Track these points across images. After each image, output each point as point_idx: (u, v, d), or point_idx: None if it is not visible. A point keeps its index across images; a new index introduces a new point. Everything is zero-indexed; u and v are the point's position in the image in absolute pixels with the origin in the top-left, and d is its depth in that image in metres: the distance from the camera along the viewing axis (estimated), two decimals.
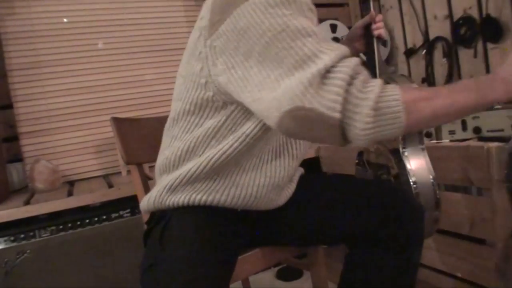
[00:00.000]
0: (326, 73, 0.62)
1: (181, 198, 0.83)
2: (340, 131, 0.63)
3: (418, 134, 0.97)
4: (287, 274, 1.84)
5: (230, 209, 0.85)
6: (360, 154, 1.11)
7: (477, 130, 1.16)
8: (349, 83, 0.62)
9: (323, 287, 1.13)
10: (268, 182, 0.85)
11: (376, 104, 0.61)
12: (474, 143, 1.13)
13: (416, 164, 0.95)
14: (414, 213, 0.86)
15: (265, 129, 0.78)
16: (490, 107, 1.56)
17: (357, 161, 1.13)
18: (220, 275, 0.76)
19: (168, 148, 0.87)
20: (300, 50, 0.64)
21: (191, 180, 0.82)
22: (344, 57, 0.65)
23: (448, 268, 1.23)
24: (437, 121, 0.79)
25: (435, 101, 0.65)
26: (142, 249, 0.89)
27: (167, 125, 0.89)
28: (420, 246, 0.88)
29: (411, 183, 0.93)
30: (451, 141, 1.22)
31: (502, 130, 1.12)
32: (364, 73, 0.65)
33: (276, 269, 1.89)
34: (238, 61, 0.69)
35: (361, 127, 0.62)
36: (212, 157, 0.79)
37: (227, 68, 0.71)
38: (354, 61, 0.64)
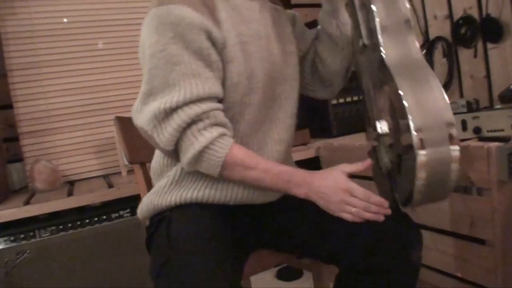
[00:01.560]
0: (171, 111, 0.73)
1: (173, 197, 0.84)
2: (175, 155, 0.78)
3: None
4: (287, 274, 1.84)
5: (226, 206, 0.84)
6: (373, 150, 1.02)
7: (477, 130, 1.16)
8: (188, 125, 0.73)
9: (323, 287, 1.13)
10: None
11: (199, 153, 0.74)
12: (474, 143, 1.13)
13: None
14: (412, 242, 0.82)
15: (235, 123, 0.82)
16: (490, 107, 1.56)
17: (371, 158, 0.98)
18: (234, 263, 0.76)
19: (155, 156, 0.92)
20: (168, 75, 0.74)
21: (180, 180, 0.85)
22: (200, 99, 0.73)
23: (448, 268, 1.23)
24: (243, 183, 0.82)
25: (250, 172, 0.77)
26: (142, 249, 0.89)
27: None
28: (416, 275, 0.85)
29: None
30: None
31: (502, 130, 1.12)
32: (212, 120, 0.74)
33: (276, 269, 1.89)
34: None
35: (185, 162, 0.77)
36: None
37: None
38: (206, 106, 0.73)
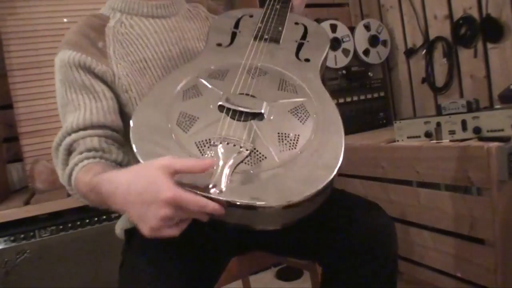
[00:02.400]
0: (57, 148, 0.77)
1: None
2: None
3: None
4: (287, 274, 1.85)
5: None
6: None
7: (477, 130, 1.16)
8: (67, 156, 0.75)
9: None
10: None
11: (68, 184, 0.74)
12: (474, 143, 1.13)
13: None
14: (386, 230, 0.79)
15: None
16: (490, 107, 1.56)
17: None
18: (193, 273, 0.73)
19: None
20: (62, 116, 0.80)
21: None
22: (75, 130, 0.75)
23: (448, 268, 1.23)
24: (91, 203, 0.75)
25: (87, 194, 0.70)
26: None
27: None
28: (395, 265, 0.80)
29: None
30: (451, 141, 1.22)
31: (502, 130, 1.12)
32: (80, 147, 0.75)
33: (276, 269, 1.89)
34: None
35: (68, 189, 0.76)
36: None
37: None
38: (75, 135, 0.75)
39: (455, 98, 1.66)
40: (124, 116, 0.83)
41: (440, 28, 1.80)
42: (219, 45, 0.84)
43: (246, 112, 0.65)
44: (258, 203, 0.53)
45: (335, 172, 0.59)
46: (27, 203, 1.42)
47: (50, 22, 1.82)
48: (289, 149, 0.61)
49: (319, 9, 2.20)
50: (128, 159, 0.78)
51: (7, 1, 1.75)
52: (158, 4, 0.90)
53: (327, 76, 1.86)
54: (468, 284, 1.17)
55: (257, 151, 0.59)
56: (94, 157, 0.73)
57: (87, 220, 1.45)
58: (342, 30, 1.90)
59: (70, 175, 0.73)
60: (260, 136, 0.62)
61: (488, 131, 1.15)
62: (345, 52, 1.89)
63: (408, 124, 1.32)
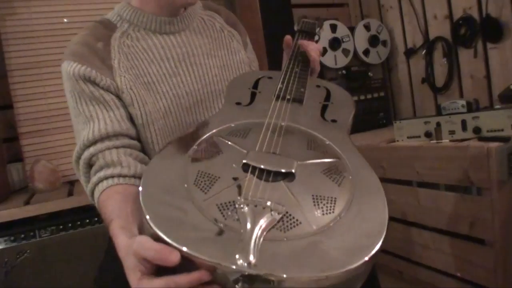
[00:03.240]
0: (77, 161, 0.78)
1: None
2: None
3: None
4: None
5: None
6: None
7: (477, 130, 1.16)
8: (87, 169, 0.77)
9: None
10: None
11: (91, 197, 0.75)
12: (474, 143, 1.13)
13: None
14: None
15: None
16: (490, 107, 1.56)
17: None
18: None
19: None
20: (76, 127, 0.81)
21: None
22: (92, 142, 0.76)
23: (448, 268, 1.23)
24: None
25: (104, 218, 0.68)
26: None
27: None
28: None
29: None
30: (451, 141, 1.22)
31: (502, 130, 1.12)
32: (100, 162, 0.75)
33: None
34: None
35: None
36: None
37: None
38: (93, 149, 0.75)
39: (455, 98, 1.66)
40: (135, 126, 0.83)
41: (440, 28, 1.80)
42: (239, 103, 0.79)
43: (275, 172, 0.56)
44: (297, 276, 0.44)
45: (382, 239, 0.50)
46: (27, 203, 1.41)
47: (50, 22, 1.82)
48: (327, 214, 0.52)
49: (319, 9, 2.20)
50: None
51: (6, 1, 1.75)
52: (167, 20, 0.86)
53: (327, 76, 1.86)
54: (468, 284, 1.17)
55: (290, 215, 0.51)
56: (112, 177, 0.73)
57: (87, 220, 1.44)
58: (342, 30, 1.90)
59: (92, 192, 0.74)
60: (292, 198, 0.53)
61: (488, 131, 1.15)
62: (345, 52, 1.89)
63: (408, 124, 1.32)
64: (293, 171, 0.57)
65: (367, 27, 1.98)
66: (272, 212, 0.50)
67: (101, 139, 0.76)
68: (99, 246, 1.44)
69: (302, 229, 0.49)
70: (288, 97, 0.79)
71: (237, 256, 0.43)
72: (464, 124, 1.19)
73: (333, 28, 1.88)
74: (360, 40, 1.94)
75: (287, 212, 0.51)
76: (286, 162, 0.58)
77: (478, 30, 1.63)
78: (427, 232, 1.28)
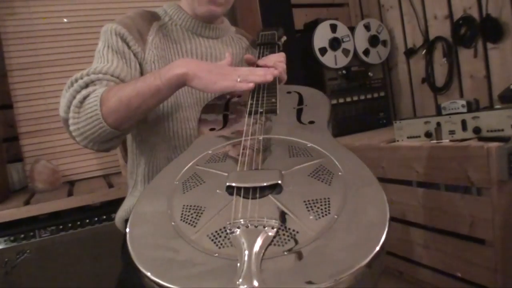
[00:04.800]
0: (75, 81, 0.80)
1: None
2: (67, 128, 0.80)
3: None
4: None
5: None
6: None
7: (477, 130, 1.16)
8: (77, 90, 0.78)
9: None
10: None
11: (80, 102, 0.76)
12: (474, 143, 1.13)
13: None
14: None
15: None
16: (490, 107, 1.56)
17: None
18: None
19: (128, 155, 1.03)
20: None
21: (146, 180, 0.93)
22: (97, 72, 0.80)
23: (448, 268, 1.23)
24: (125, 107, 0.75)
25: (123, 89, 0.75)
26: None
27: None
28: None
29: None
30: (451, 141, 1.22)
31: (502, 130, 1.12)
32: (96, 85, 0.78)
33: None
34: None
35: (71, 123, 0.77)
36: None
37: None
38: (95, 76, 0.79)
39: (455, 98, 1.66)
40: None
41: (440, 28, 1.80)
42: (213, 129, 0.79)
43: (261, 187, 0.54)
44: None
45: (387, 226, 0.47)
46: (27, 203, 1.42)
47: (50, 22, 1.82)
48: (323, 216, 0.50)
49: (319, 9, 2.20)
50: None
51: (6, 1, 1.75)
52: (202, 24, 0.98)
53: (327, 76, 1.86)
54: (468, 284, 1.17)
55: (285, 227, 0.48)
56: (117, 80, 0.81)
57: (87, 220, 1.44)
58: (342, 30, 1.90)
59: (85, 97, 0.76)
60: (284, 209, 0.51)
61: (488, 131, 1.15)
62: (345, 52, 1.89)
63: (408, 124, 1.32)
64: (278, 182, 0.55)
65: (367, 27, 1.98)
66: (266, 229, 0.48)
67: (112, 75, 0.82)
68: (99, 246, 1.45)
69: (301, 238, 0.47)
70: (260, 110, 0.78)
71: (239, 283, 0.41)
72: (464, 124, 1.19)
73: (333, 28, 1.88)
74: (360, 40, 1.94)
75: (281, 225, 0.49)
76: (270, 174, 0.57)
77: (478, 30, 1.63)
78: (427, 232, 1.28)
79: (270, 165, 0.60)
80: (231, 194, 0.55)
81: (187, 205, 0.55)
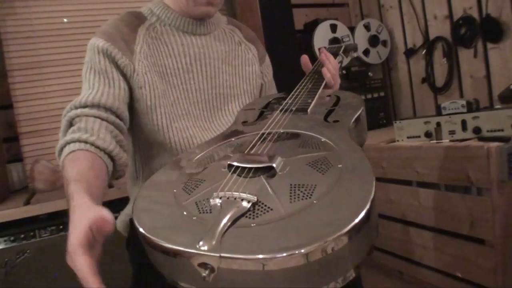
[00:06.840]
0: (63, 116, 0.81)
1: None
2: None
3: None
4: None
5: None
6: None
7: (477, 130, 1.16)
8: (62, 131, 0.79)
9: None
10: None
11: (58, 153, 0.75)
12: (474, 143, 1.13)
13: None
14: None
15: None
16: (490, 107, 1.56)
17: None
18: None
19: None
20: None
21: None
22: (82, 105, 0.80)
23: (448, 268, 1.23)
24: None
25: (67, 172, 0.71)
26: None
27: None
28: None
29: None
30: (451, 141, 1.22)
31: (502, 130, 1.12)
32: (80, 124, 0.77)
33: None
34: None
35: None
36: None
37: None
38: (80, 111, 0.79)
39: (455, 98, 1.66)
40: (133, 111, 0.88)
41: (440, 28, 1.80)
42: (245, 122, 0.84)
43: (256, 168, 0.58)
44: (254, 256, 0.43)
45: (365, 210, 0.47)
46: (27, 203, 1.41)
47: (50, 22, 1.82)
48: (302, 199, 0.51)
49: (319, 9, 2.20)
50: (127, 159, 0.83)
51: (6, 1, 1.75)
52: (192, 21, 0.94)
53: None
54: (468, 284, 1.17)
55: (262, 203, 0.51)
56: (86, 142, 0.75)
57: None
58: (342, 30, 1.90)
59: (61, 149, 0.75)
60: (268, 189, 0.54)
61: (488, 131, 1.15)
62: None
63: (408, 124, 1.32)
64: (273, 165, 0.58)
65: (367, 27, 1.98)
66: (243, 202, 0.51)
67: (92, 106, 0.80)
68: None
69: (272, 215, 0.50)
70: (292, 108, 0.81)
71: (200, 243, 0.45)
72: (464, 124, 1.19)
73: (333, 28, 1.88)
74: (360, 40, 1.94)
75: (258, 201, 0.52)
76: (268, 158, 0.60)
77: (478, 30, 1.63)
78: (427, 232, 1.28)
79: (276, 152, 0.63)
80: (230, 171, 0.60)
81: (192, 178, 0.62)
